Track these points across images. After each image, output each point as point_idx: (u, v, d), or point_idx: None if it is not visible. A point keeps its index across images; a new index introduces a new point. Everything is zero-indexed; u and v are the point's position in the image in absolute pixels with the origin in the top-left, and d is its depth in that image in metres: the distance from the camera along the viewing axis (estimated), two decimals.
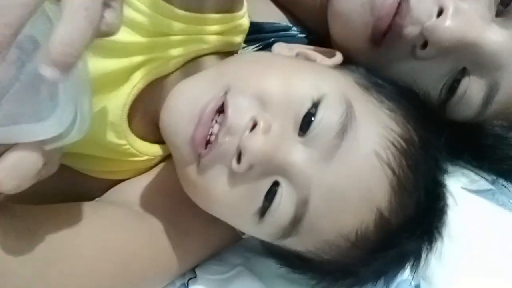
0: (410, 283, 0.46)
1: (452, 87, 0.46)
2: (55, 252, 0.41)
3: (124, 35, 0.43)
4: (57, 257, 0.41)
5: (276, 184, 0.40)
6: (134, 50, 0.44)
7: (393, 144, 0.40)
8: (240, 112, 0.40)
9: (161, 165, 0.55)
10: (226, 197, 0.41)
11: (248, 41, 0.54)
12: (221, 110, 0.41)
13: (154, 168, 0.55)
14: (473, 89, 0.46)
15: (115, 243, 0.45)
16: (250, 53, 0.47)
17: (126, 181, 0.54)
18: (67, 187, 0.53)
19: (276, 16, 0.60)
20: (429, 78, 0.47)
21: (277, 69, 0.43)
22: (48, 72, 0.28)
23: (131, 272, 0.46)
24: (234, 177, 0.40)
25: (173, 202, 0.51)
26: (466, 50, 0.44)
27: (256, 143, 0.38)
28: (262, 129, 0.39)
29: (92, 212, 0.47)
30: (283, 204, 0.40)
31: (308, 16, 0.59)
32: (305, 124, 0.40)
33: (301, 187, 0.39)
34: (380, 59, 0.48)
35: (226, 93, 0.41)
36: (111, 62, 0.43)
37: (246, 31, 0.52)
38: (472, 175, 0.50)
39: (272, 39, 0.58)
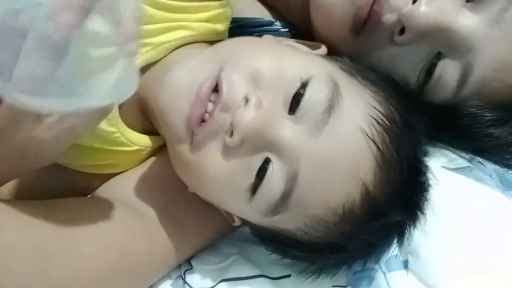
0: (398, 258, 0.48)
1: (429, 70, 0.49)
2: (53, 248, 0.42)
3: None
4: (55, 252, 0.42)
5: (267, 161, 0.42)
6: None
7: (377, 121, 0.43)
8: (234, 89, 0.42)
9: (152, 159, 0.56)
10: (219, 174, 0.43)
11: (232, 36, 0.55)
12: (214, 89, 0.43)
13: (145, 162, 0.56)
14: (448, 71, 0.48)
15: (111, 238, 0.46)
16: (244, 37, 0.50)
17: (117, 176, 0.55)
18: (58, 185, 0.54)
19: (259, 12, 0.62)
20: (407, 63, 0.49)
21: (270, 51, 0.46)
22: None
23: (128, 265, 0.47)
24: (226, 152, 0.42)
25: (167, 195, 0.52)
26: (440, 35, 0.47)
27: (248, 117, 0.41)
28: (254, 105, 0.41)
29: (88, 206, 0.48)
30: (273, 180, 0.42)
31: (290, 10, 0.61)
32: (295, 103, 0.42)
33: (290, 162, 0.41)
34: (361, 48, 0.50)
35: (220, 72, 0.43)
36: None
37: (229, 19, 0.54)
38: (450, 154, 0.52)
39: (256, 34, 0.60)
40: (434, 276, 0.45)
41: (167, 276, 0.53)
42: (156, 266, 0.51)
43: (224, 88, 0.42)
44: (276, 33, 0.61)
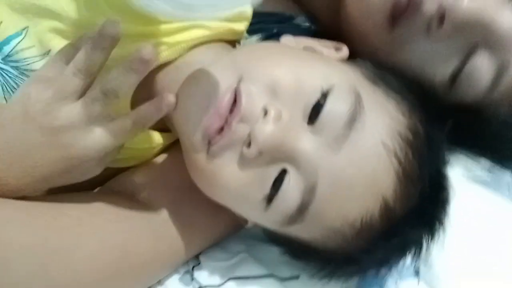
0: (410, 267, 0.47)
1: (461, 66, 0.47)
2: (55, 242, 0.42)
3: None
4: (58, 247, 0.42)
5: (284, 172, 0.41)
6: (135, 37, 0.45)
7: (399, 135, 0.42)
8: (253, 100, 0.41)
9: (163, 155, 0.55)
10: (234, 183, 0.42)
11: (251, 31, 0.54)
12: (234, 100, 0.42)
13: (156, 158, 0.55)
14: (483, 67, 0.46)
15: (116, 233, 0.46)
16: (262, 43, 0.49)
17: (127, 171, 0.54)
18: None
19: (279, 6, 0.60)
20: (440, 58, 0.48)
21: (288, 60, 0.44)
22: None
23: (132, 261, 0.47)
24: (243, 163, 0.41)
25: (176, 193, 0.51)
26: (480, 28, 0.46)
27: (266, 130, 0.40)
28: (273, 117, 0.40)
29: (94, 201, 0.47)
30: (290, 191, 0.41)
31: (314, 3, 0.59)
32: (314, 114, 0.41)
33: (308, 175, 0.40)
34: (395, 41, 0.49)
35: (238, 82, 0.42)
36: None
37: (249, 19, 0.52)
38: (469, 163, 0.52)
39: (275, 29, 0.59)
40: (445, 286, 0.45)
41: (175, 270, 0.52)
42: (161, 264, 0.50)
43: (243, 100, 0.41)
44: (296, 28, 0.60)
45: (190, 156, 0.44)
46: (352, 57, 0.49)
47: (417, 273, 0.47)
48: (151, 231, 0.49)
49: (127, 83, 0.42)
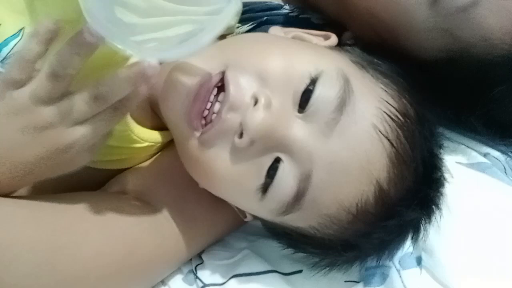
0: (412, 255, 0.47)
1: None
2: (61, 238, 0.42)
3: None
4: (63, 243, 0.42)
5: (277, 160, 0.41)
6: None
7: (390, 117, 0.42)
8: (241, 88, 0.41)
9: (163, 153, 0.55)
10: (228, 174, 0.42)
11: (241, 20, 0.55)
12: (220, 87, 0.42)
13: (155, 157, 0.55)
14: None
15: (120, 232, 0.46)
16: (249, 33, 0.48)
17: (127, 171, 0.55)
18: (67, 179, 0.53)
19: None
20: None
21: (276, 48, 0.44)
22: None
23: (137, 259, 0.47)
24: (235, 153, 0.42)
25: (177, 190, 0.52)
26: None
27: (258, 118, 0.40)
28: (263, 105, 0.40)
29: (96, 200, 0.48)
30: (285, 180, 0.41)
31: None
32: (304, 100, 0.41)
33: (303, 162, 0.41)
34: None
35: (225, 70, 0.42)
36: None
37: (239, 13, 0.52)
38: (465, 148, 0.52)
39: (265, 17, 0.58)
40: (447, 274, 0.45)
41: (178, 270, 0.53)
42: (166, 261, 0.51)
43: (231, 88, 0.41)
44: (285, 17, 0.59)
45: (182, 146, 0.45)
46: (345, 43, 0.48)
47: (419, 261, 0.47)
48: (154, 228, 0.49)
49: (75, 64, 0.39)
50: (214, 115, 0.42)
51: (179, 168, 0.48)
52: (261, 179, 0.42)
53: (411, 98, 0.44)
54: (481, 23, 0.45)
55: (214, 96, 0.42)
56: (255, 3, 0.59)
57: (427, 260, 0.47)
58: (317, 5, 0.58)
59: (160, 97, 0.44)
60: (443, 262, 0.46)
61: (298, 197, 0.41)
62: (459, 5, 0.44)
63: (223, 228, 0.54)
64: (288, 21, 0.59)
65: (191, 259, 0.53)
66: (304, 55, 0.43)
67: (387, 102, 0.42)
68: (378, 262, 0.47)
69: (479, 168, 0.50)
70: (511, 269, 0.44)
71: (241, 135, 0.40)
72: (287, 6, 0.60)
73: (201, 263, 0.53)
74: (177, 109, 0.42)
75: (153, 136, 0.53)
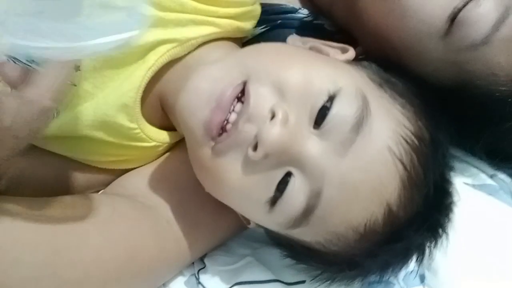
0: (416, 275, 0.48)
1: (466, 3, 0.44)
2: (62, 241, 0.42)
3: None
4: (64, 245, 0.42)
5: (288, 174, 0.41)
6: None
7: (405, 140, 0.42)
8: (261, 101, 0.41)
9: (167, 155, 0.55)
10: (238, 184, 0.42)
11: (255, 23, 0.53)
12: (239, 98, 0.42)
13: (159, 159, 0.55)
14: (488, 5, 0.43)
15: (121, 234, 0.46)
16: (270, 43, 0.48)
17: (130, 173, 0.55)
18: (70, 180, 0.52)
19: None
20: None
21: (297, 61, 0.44)
22: None
23: (138, 262, 0.47)
24: (248, 164, 0.41)
25: (181, 193, 0.52)
26: None
27: (274, 133, 0.39)
28: (281, 120, 0.40)
29: (98, 202, 0.47)
30: (295, 195, 0.41)
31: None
32: (320, 117, 0.41)
33: (314, 179, 0.40)
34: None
35: (246, 81, 0.42)
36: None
37: (257, 18, 0.52)
38: (471, 169, 0.52)
39: (279, 21, 0.57)
40: None
41: (180, 273, 0.53)
42: (168, 265, 0.51)
43: (251, 99, 0.41)
44: (299, 21, 0.58)
45: (194, 152, 0.44)
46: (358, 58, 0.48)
47: (422, 279, 0.48)
48: (156, 232, 0.49)
49: None
50: (229, 125, 0.41)
51: (183, 172, 0.48)
52: (271, 192, 0.42)
53: (426, 121, 0.44)
54: (491, 60, 0.45)
55: (234, 105, 0.42)
56: (270, 5, 0.58)
57: (431, 279, 0.47)
58: (330, 14, 0.57)
59: (179, 102, 0.43)
60: (447, 282, 0.47)
61: (306, 213, 0.41)
62: (470, 42, 0.44)
63: (226, 233, 0.54)
64: (302, 26, 0.58)
65: (193, 263, 0.53)
66: (323, 71, 0.43)
67: (403, 125, 0.42)
68: (381, 279, 0.47)
69: (486, 190, 0.50)
70: None
71: (255, 148, 0.40)
72: (302, 10, 0.59)
73: (204, 268, 0.53)
74: (196, 116, 0.42)
75: (161, 136, 0.52)
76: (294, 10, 0.59)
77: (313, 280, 0.49)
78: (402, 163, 0.41)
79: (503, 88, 0.45)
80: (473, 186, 0.51)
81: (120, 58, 0.46)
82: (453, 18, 0.44)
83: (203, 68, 0.44)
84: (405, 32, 0.47)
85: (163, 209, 0.50)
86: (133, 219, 0.48)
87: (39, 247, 0.40)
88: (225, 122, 0.41)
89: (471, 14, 0.43)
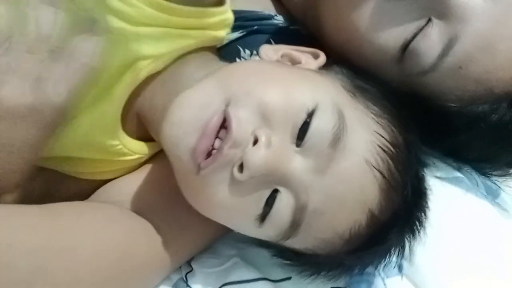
0: (395, 265, 0.51)
1: (415, 36, 0.48)
2: (56, 243, 0.42)
3: (112, 21, 0.44)
4: (57, 248, 0.42)
5: (275, 191, 0.43)
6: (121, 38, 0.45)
7: (381, 149, 0.44)
8: (243, 125, 0.42)
9: (150, 163, 0.55)
10: (227, 204, 0.43)
11: (232, 28, 0.54)
12: (222, 124, 0.42)
13: (143, 167, 0.56)
14: (434, 37, 0.47)
15: (112, 239, 0.47)
16: (246, 63, 0.49)
17: (114, 180, 0.55)
18: (54, 190, 0.52)
19: (259, 5, 0.61)
20: (397, 21, 0.49)
21: (275, 82, 0.45)
22: None
23: (127, 267, 0.48)
24: (234, 184, 0.43)
25: (166, 200, 0.52)
26: None
27: (258, 157, 0.41)
28: (264, 143, 0.41)
29: (89, 207, 0.48)
30: (282, 210, 0.43)
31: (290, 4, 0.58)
32: (301, 133, 0.42)
33: (300, 195, 0.42)
34: None
35: (227, 106, 0.42)
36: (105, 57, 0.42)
37: (231, 25, 0.52)
38: (439, 163, 0.55)
39: (256, 26, 0.58)
40: (426, 281, 0.49)
41: (167, 278, 0.53)
42: (155, 269, 0.52)
43: (233, 125, 0.41)
44: (274, 27, 0.59)
45: (182, 177, 0.45)
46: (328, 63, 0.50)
47: (400, 269, 0.51)
48: (145, 236, 0.49)
49: None
50: (215, 150, 0.42)
51: (168, 178, 0.49)
52: (259, 210, 0.43)
53: (399, 126, 0.46)
54: (439, 84, 0.49)
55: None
56: (246, 11, 0.59)
57: (408, 268, 0.51)
58: (303, 22, 0.59)
59: (163, 133, 0.44)
60: (422, 269, 0.50)
61: (294, 226, 0.43)
62: (421, 69, 0.49)
63: (213, 235, 0.55)
64: (278, 32, 0.59)
65: (180, 267, 0.54)
66: (300, 88, 0.44)
67: (379, 134, 0.44)
68: (362, 272, 0.50)
69: (453, 182, 0.54)
70: (486, 271, 0.49)
71: (241, 168, 0.41)
72: (277, 17, 0.60)
73: (191, 271, 0.54)
74: (182, 146, 0.43)
75: (143, 148, 0.53)
76: (270, 17, 0.60)
77: (298, 275, 0.51)
78: (380, 172, 0.43)
79: (454, 105, 0.49)
80: (442, 179, 0.54)
81: (98, 78, 0.45)
82: (404, 48, 0.48)
83: (183, 97, 0.44)
84: (364, 57, 0.51)
85: (150, 214, 0.51)
86: (123, 224, 0.48)
87: (31, 252, 0.40)
88: (211, 148, 0.42)
89: (419, 45, 0.47)
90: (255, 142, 0.41)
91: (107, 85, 0.46)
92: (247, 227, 0.45)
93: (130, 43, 0.45)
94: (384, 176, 0.44)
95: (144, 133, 0.52)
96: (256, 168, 0.41)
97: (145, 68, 0.47)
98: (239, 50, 0.59)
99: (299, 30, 0.61)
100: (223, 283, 0.52)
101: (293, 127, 0.42)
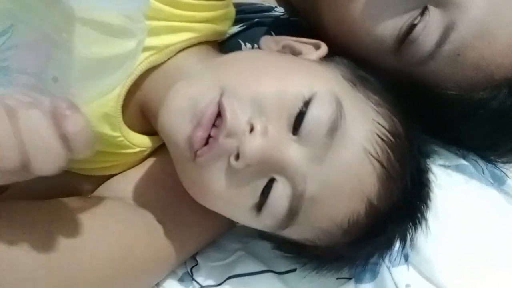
0: (400, 252, 0.50)
1: (412, 25, 0.47)
2: (57, 242, 0.42)
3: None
4: (60, 248, 0.42)
5: (272, 180, 0.43)
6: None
7: (381, 138, 0.43)
8: (237, 115, 0.42)
9: (152, 158, 0.56)
10: (223, 192, 0.43)
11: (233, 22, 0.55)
12: (218, 113, 0.42)
13: (145, 162, 0.56)
14: (431, 25, 0.47)
15: (115, 235, 0.47)
16: (243, 53, 0.49)
17: (116, 176, 0.55)
18: (56, 188, 0.52)
19: None
20: (393, 11, 0.48)
21: (271, 71, 0.45)
22: None
23: (132, 262, 0.48)
24: (231, 173, 0.43)
25: (169, 195, 0.52)
26: None
27: (254, 146, 0.41)
28: (260, 132, 0.41)
29: (90, 204, 0.48)
30: (279, 199, 0.43)
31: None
32: (298, 122, 0.42)
33: (297, 183, 0.42)
34: None
35: (221, 96, 0.42)
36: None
37: (233, 19, 0.52)
38: (443, 151, 0.55)
39: (256, 19, 0.58)
40: (433, 270, 0.49)
41: (172, 273, 0.53)
42: (159, 265, 0.52)
43: (227, 115, 0.41)
44: (274, 19, 0.60)
45: (179, 165, 0.46)
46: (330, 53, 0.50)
47: (406, 258, 0.50)
48: (148, 232, 0.49)
49: None
50: (211, 139, 0.42)
51: (169, 173, 0.49)
52: (256, 199, 0.43)
53: (400, 115, 0.45)
54: (438, 72, 0.49)
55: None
56: (246, 4, 0.59)
57: (414, 257, 0.50)
58: (304, 14, 0.59)
59: (160, 120, 0.44)
60: (428, 258, 0.49)
61: (291, 215, 0.43)
62: (419, 58, 0.48)
63: (216, 230, 0.56)
64: (279, 24, 0.59)
65: (185, 261, 0.54)
66: (297, 76, 0.44)
67: (378, 123, 0.44)
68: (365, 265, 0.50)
69: (459, 169, 0.53)
70: (494, 263, 0.48)
71: (237, 157, 0.41)
72: (278, 9, 0.60)
73: (196, 265, 0.54)
74: (179, 134, 0.43)
75: (145, 141, 0.53)
76: (271, 9, 0.61)
77: (303, 268, 0.51)
78: (379, 161, 0.43)
79: (454, 93, 0.49)
80: (447, 167, 0.53)
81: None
82: (401, 38, 0.48)
83: (180, 85, 0.44)
84: (363, 48, 0.50)
85: (153, 210, 0.51)
86: (125, 220, 0.48)
87: (34, 249, 0.40)
88: (207, 136, 0.42)
89: (416, 34, 0.47)
90: (251, 130, 0.41)
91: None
92: (245, 216, 0.45)
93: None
94: (383, 166, 0.43)
95: (147, 128, 0.53)
96: (252, 156, 0.41)
97: (146, 59, 0.47)
98: (241, 45, 0.59)
99: (300, 22, 0.61)
100: (228, 276, 0.52)
101: (289, 116, 0.42)
